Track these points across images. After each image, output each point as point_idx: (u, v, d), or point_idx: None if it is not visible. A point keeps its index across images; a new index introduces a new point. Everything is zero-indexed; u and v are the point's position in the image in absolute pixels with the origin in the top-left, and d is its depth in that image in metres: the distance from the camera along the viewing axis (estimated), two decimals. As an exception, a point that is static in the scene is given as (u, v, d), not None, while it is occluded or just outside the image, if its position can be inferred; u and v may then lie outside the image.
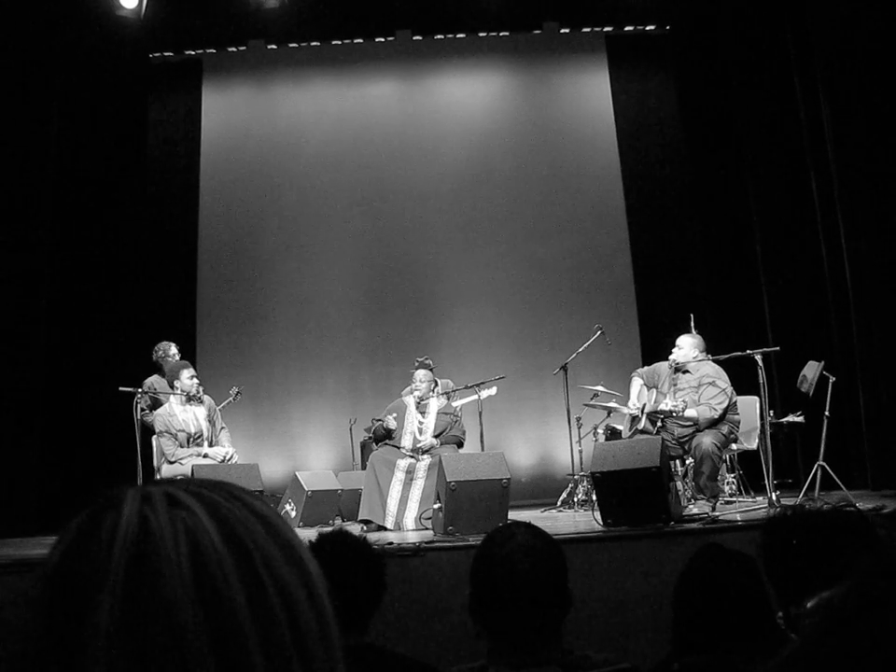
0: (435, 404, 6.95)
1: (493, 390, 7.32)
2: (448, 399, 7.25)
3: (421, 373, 7.00)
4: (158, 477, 6.62)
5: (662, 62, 9.95)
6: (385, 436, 6.90)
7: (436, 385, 7.13)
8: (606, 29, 10.04)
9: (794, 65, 8.43)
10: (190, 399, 6.66)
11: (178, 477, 0.68)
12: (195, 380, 6.72)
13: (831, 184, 7.93)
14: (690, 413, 6.02)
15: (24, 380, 7.91)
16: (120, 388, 6.41)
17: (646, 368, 6.82)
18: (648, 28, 9.97)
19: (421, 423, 6.84)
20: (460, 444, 6.96)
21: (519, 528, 1.87)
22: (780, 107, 8.71)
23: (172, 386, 6.78)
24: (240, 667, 0.55)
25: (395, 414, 6.86)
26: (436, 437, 6.80)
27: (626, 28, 9.99)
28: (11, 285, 7.91)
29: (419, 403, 6.90)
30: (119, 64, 9.19)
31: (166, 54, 9.86)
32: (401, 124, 10.04)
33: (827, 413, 6.36)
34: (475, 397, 7.07)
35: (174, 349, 7.61)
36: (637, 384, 6.64)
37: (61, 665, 0.54)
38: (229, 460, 6.48)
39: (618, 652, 2.45)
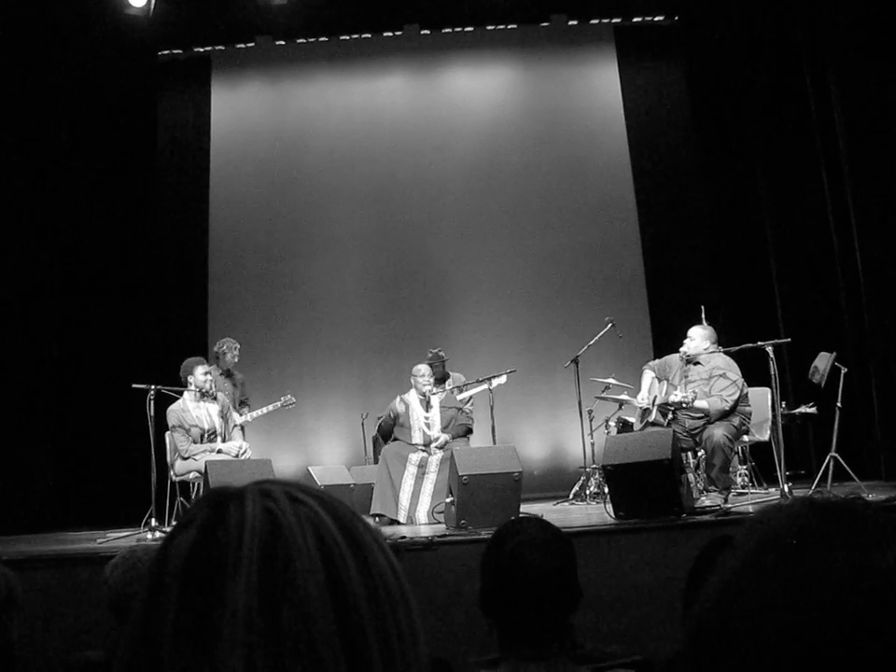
0: (437, 398, 7.00)
1: (503, 378, 7.35)
2: (453, 392, 7.31)
3: (423, 368, 7.05)
4: (172, 472, 6.66)
5: (671, 53, 9.91)
6: (390, 429, 6.96)
7: (444, 379, 7.20)
8: (614, 20, 9.99)
9: (804, 54, 8.38)
10: (204, 395, 6.69)
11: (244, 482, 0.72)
12: (208, 376, 6.75)
13: (842, 174, 7.89)
14: (701, 403, 6.00)
15: (37, 377, 7.97)
16: (134, 385, 6.45)
17: (657, 360, 6.81)
18: (656, 19, 9.92)
19: (427, 417, 6.89)
20: (469, 431, 7.04)
21: (528, 523, 1.89)
22: (790, 97, 8.67)
23: (185, 383, 6.81)
24: (362, 656, 0.58)
25: (399, 399, 6.93)
26: (444, 429, 6.86)
27: (635, 19, 9.95)
28: (25, 283, 7.97)
29: (422, 398, 6.95)
30: (128, 63, 9.23)
31: (175, 52, 9.89)
32: (410, 118, 10.04)
33: (839, 405, 6.33)
34: (485, 386, 7.10)
35: (236, 351, 7.58)
36: (648, 376, 6.63)
37: (199, 645, 0.56)
38: (242, 455, 6.52)
39: (630, 645, 2.46)
